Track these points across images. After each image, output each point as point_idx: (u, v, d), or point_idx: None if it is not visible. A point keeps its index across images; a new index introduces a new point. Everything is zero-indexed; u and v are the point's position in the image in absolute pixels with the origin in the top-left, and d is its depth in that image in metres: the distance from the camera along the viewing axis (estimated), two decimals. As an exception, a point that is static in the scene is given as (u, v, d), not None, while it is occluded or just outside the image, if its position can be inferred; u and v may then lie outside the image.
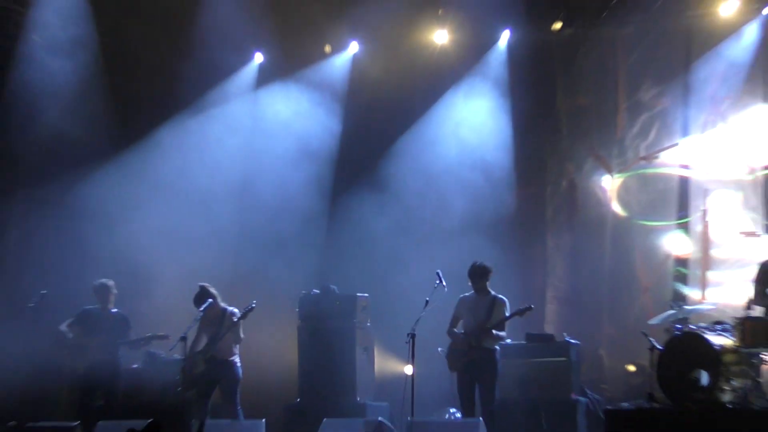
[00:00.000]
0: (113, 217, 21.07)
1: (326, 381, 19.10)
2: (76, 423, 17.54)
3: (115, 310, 18.54)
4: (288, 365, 19.99)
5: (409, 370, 17.09)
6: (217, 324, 17.77)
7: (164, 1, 21.92)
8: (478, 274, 17.32)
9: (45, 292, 18.72)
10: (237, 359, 17.88)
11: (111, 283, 18.58)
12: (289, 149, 21.66)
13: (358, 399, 19.15)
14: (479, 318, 17.18)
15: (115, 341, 18.40)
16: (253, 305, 17.62)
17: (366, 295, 19.82)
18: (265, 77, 22.69)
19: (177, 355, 17.80)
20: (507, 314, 17.10)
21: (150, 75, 22.46)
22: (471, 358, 17.16)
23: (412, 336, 16.61)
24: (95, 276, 19.01)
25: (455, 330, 17.39)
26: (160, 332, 18.54)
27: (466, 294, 17.47)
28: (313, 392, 19.25)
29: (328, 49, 22.36)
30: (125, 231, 20.90)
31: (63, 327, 18.42)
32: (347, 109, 22.07)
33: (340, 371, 19.23)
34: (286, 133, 21.88)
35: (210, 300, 17.73)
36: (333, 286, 19.87)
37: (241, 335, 17.86)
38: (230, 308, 17.82)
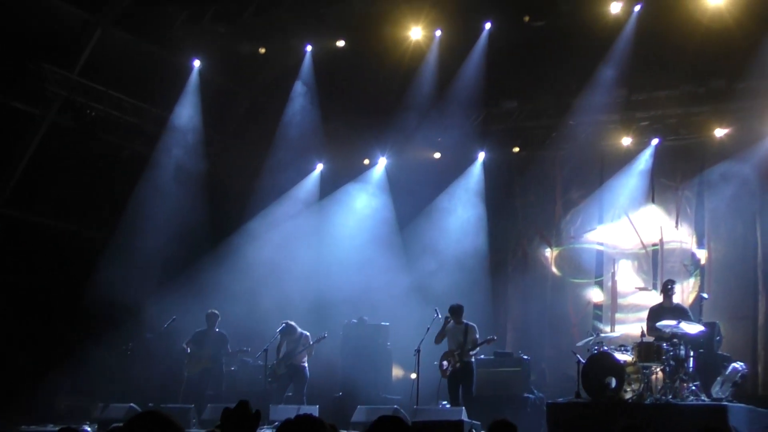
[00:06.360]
0: (233, 276, 20.69)
1: (359, 381, 18.75)
2: (191, 406, 17.33)
3: (218, 330, 18.26)
4: (334, 370, 19.61)
5: (413, 375, 16.93)
6: (295, 341, 17.68)
7: (256, 130, 21.95)
8: (455, 310, 17.11)
9: (175, 318, 18.52)
10: (306, 365, 17.76)
11: (217, 312, 18.31)
12: (349, 226, 21.69)
13: (381, 393, 18.86)
14: (458, 340, 16.98)
15: (218, 353, 18.15)
16: (325, 335, 17.60)
17: (387, 323, 19.62)
18: (324, 180, 22.57)
19: (260, 362, 17.69)
20: (477, 334, 16.97)
21: (247, 187, 22.28)
22: (455, 369, 16.93)
23: (418, 351, 16.51)
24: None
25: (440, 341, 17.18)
26: (245, 348, 18.42)
27: (448, 323, 17.23)
28: (350, 388, 18.90)
29: (366, 162, 22.29)
30: (233, 287, 20.52)
31: (184, 344, 18.14)
32: (387, 200, 21.92)
33: (369, 374, 18.93)
34: (346, 215, 21.91)
35: (284, 325, 17.67)
36: (365, 317, 19.66)
37: (311, 352, 17.75)
38: (305, 332, 17.71)
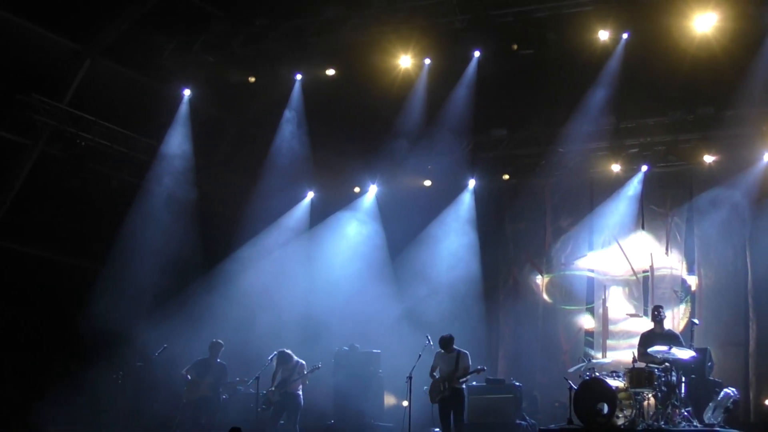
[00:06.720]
0: (224, 302, 20.75)
1: (351, 408, 18.74)
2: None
3: (219, 360, 18.20)
4: (326, 397, 19.54)
5: (405, 402, 16.83)
6: (290, 370, 17.58)
7: (246, 158, 22.08)
8: (446, 341, 16.80)
9: (166, 345, 18.46)
10: (301, 393, 17.66)
11: (221, 342, 18.26)
12: (340, 253, 21.78)
13: (373, 421, 18.86)
14: (450, 368, 16.70)
15: (217, 383, 18.08)
16: (319, 366, 17.54)
17: (378, 351, 19.61)
18: (315, 208, 22.64)
19: (252, 390, 17.67)
20: (469, 361, 16.72)
21: (238, 215, 22.25)
22: (445, 395, 16.72)
23: (410, 378, 16.42)
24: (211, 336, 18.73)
25: (434, 375, 16.97)
26: (245, 378, 18.39)
27: (440, 350, 17.02)
28: (343, 416, 18.93)
29: (357, 189, 22.37)
30: (229, 313, 20.56)
31: (183, 371, 18.03)
32: (378, 227, 22.02)
33: (361, 402, 18.92)
34: (337, 242, 22.01)
35: (276, 354, 17.60)
36: (357, 345, 19.67)
37: (306, 381, 17.66)
38: (301, 361, 17.64)
